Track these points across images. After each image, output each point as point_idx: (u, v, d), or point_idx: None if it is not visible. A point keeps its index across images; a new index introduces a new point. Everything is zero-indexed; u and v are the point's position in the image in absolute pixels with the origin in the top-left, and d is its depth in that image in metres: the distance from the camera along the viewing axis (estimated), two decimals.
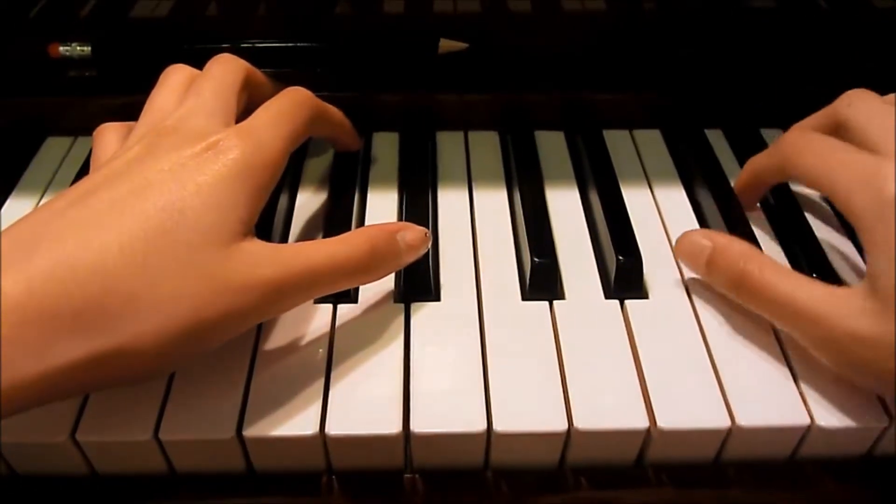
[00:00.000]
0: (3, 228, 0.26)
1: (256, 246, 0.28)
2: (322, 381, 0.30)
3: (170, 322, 0.25)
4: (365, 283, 0.32)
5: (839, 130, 0.33)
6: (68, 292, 0.24)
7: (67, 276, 0.24)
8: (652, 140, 0.44)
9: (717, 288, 0.33)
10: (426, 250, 0.33)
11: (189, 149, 0.28)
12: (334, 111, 0.38)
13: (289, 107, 0.32)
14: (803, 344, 0.30)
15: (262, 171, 0.29)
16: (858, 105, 0.32)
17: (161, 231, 0.26)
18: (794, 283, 0.29)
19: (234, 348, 0.31)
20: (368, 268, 0.30)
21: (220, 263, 0.26)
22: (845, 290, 0.28)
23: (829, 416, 0.29)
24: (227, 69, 0.33)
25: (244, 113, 0.33)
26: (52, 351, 0.24)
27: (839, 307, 0.27)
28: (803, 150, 0.32)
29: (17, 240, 0.25)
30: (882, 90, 0.33)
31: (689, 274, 0.35)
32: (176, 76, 0.33)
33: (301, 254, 0.28)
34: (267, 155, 0.29)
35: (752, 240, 0.36)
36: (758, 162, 0.37)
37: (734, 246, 0.32)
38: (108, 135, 0.33)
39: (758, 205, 0.39)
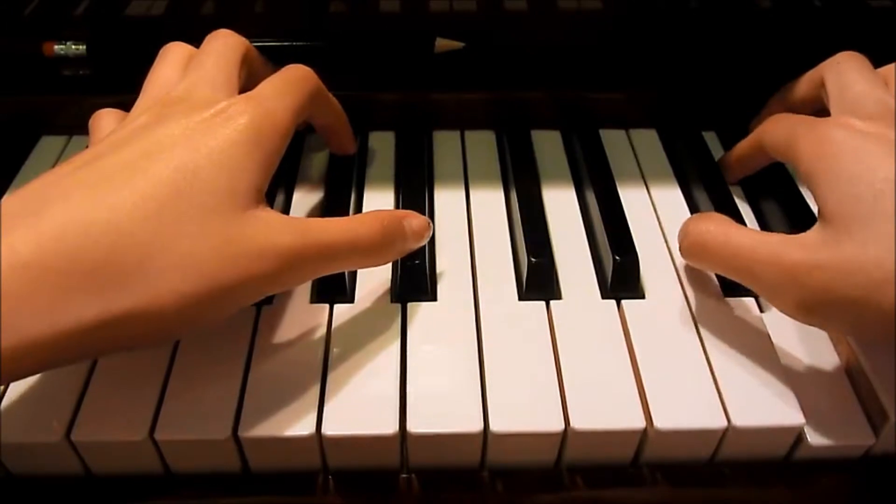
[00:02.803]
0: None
1: (272, 214, 0.27)
2: (318, 381, 0.30)
3: (185, 283, 0.25)
4: (372, 265, 0.31)
5: (820, 87, 0.35)
6: (80, 250, 0.23)
7: (79, 234, 0.24)
8: (648, 140, 0.44)
9: (688, 259, 0.33)
10: (428, 239, 0.33)
11: (198, 115, 0.28)
12: (334, 98, 0.38)
13: (293, 79, 0.32)
14: (766, 294, 0.30)
15: (271, 138, 0.29)
16: (844, 66, 0.34)
17: (175, 192, 0.25)
18: (748, 233, 0.30)
19: (230, 348, 0.31)
20: (379, 249, 0.30)
21: (236, 228, 0.26)
22: (798, 234, 0.29)
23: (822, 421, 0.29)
24: (226, 44, 0.33)
25: (242, 91, 0.33)
26: (64, 310, 0.23)
27: (796, 244, 0.28)
28: (771, 128, 0.35)
29: (25, 200, 0.25)
30: None
31: (685, 273, 0.35)
32: (175, 52, 0.33)
33: (317, 226, 0.28)
34: (276, 121, 0.29)
35: None
36: (739, 148, 0.39)
37: (702, 213, 0.33)
38: (106, 118, 0.33)
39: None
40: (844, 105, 0.32)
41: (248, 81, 0.34)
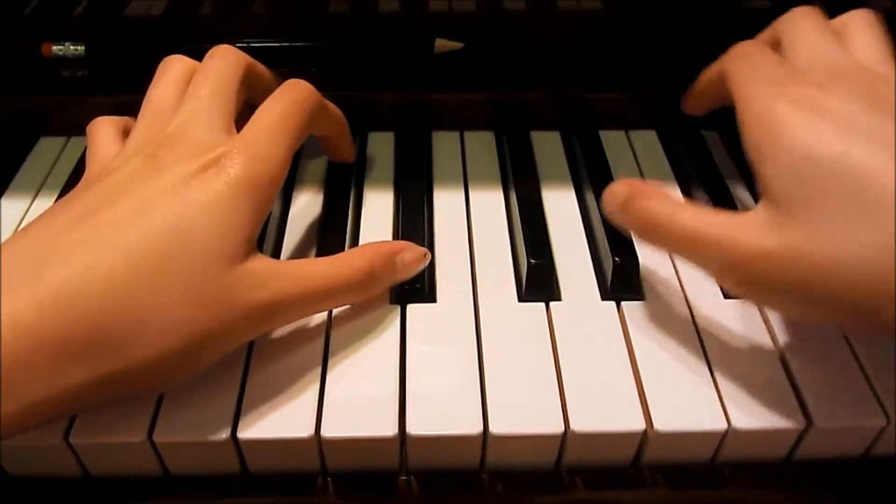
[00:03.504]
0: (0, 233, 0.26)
1: (259, 265, 0.28)
2: (317, 383, 0.30)
3: (175, 344, 0.25)
4: (362, 300, 0.32)
5: (776, 46, 0.33)
6: (78, 317, 0.24)
7: (77, 301, 0.24)
8: (648, 140, 0.44)
9: (632, 232, 0.33)
10: (423, 267, 0.33)
11: (191, 164, 0.28)
12: (334, 108, 0.37)
13: (291, 108, 0.32)
14: (712, 274, 0.29)
15: (265, 187, 0.29)
16: (798, 21, 0.32)
17: (166, 254, 0.26)
18: (695, 213, 0.29)
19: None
20: (366, 289, 0.31)
21: (225, 286, 0.26)
22: (744, 212, 0.28)
23: (825, 417, 0.29)
24: (226, 63, 0.32)
25: (245, 104, 0.33)
26: (62, 374, 0.24)
27: (741, 227, 0.27)
28: (740, 57, 0.33)
29: (23, 257, 0.25)
30: None
31: (685, 274, 0.35)
32: (173, 69, 0.33)
33: (303, 274, 0.29)
34: (269, 169, 0.29)
35: None
36: (709, 68, 0.38)
37: (643, 188, 0.31)
38: (104, 128, 0.33)
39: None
40: (796, 66, 0.30)
41: (251, 95, 0.34)
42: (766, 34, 0.35)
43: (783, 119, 0.27)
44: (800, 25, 0.32)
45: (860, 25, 0.31)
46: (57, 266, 0.25)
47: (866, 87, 0.27)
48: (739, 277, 0.27)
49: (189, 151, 0.28)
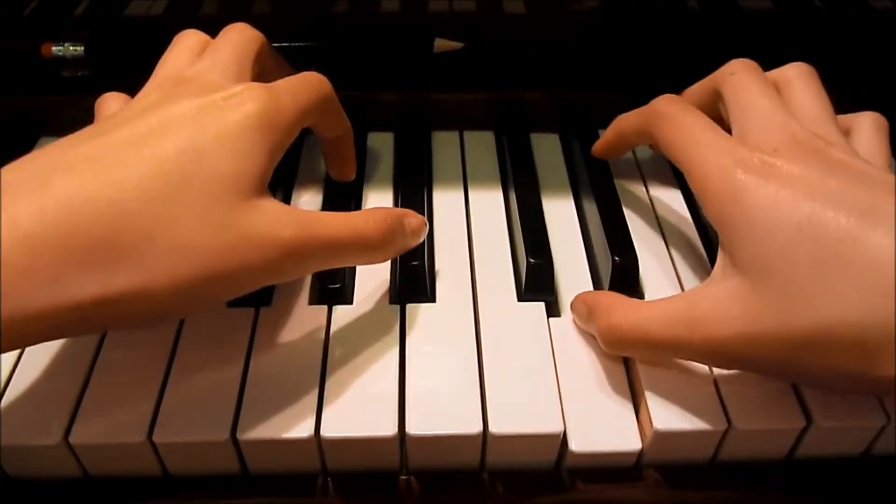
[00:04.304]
0: None
1: (277, 205, 0.27)
2: (317, 383, 0.30)
3: (182, 268, 0.24)
4: (372, 262, 0.31)
5: (716, 97, 0.33)
6: (83, 225, 0.23)
7: (83, 211, 0.23)
8: None
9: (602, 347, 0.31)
10: (424, 237, 0.33)
11: (209, 96, 0.28)
12: (344, 114, 0.36)
13: (308, 82, 0.32)
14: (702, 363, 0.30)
15: (278, 129, 0.28)
16: (740, 78, 0.32)
17: (180, 174, 0.25)
18: (653, 314, 0.28)
19: (229, 349, 0.31)
20: (381, 245, 0.30)
21: (238, 216, 0.26)
22: (709, 288, 0.28)
23: (826, 416, 0.29)
24: (242, 36, 0.33)
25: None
26: (63, 284, 0.23)
27: (708, 315, 0.27)
28: (670, 121, 0.32)
29: (30, 169, 0.25)
30: (879, 96, 0.33)
31: (684, 274, 0.35)
32: (189, 39, 0.33)
33: (321, 221, 0.28)
34: (285, 115, 0.29)
35: None
36: (625, 120, 0.37)
37: (599, 302, 0.31)
38: (113, 101, 0.32)
39: None
40: (747, 131, 0.30)
41: (260, 77, 0.33)
42: (707, 83, 0.34)
43: (745, 189, 0.27)
44: (745, 84, 0.31)
45: (801, 83, 0.31)
46: (63, 176, 0.24)
47: (818, 154, 0.27)
48: (722, 362, 0.28)
49: (206, 88, 0.28)
